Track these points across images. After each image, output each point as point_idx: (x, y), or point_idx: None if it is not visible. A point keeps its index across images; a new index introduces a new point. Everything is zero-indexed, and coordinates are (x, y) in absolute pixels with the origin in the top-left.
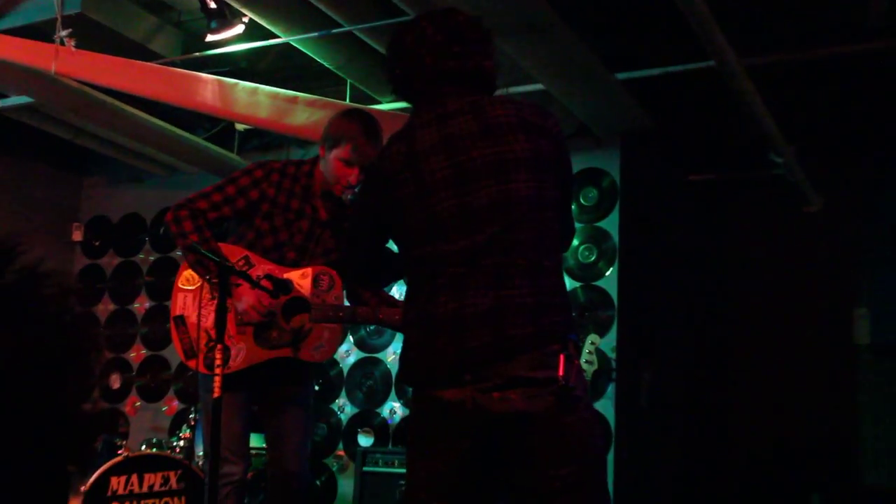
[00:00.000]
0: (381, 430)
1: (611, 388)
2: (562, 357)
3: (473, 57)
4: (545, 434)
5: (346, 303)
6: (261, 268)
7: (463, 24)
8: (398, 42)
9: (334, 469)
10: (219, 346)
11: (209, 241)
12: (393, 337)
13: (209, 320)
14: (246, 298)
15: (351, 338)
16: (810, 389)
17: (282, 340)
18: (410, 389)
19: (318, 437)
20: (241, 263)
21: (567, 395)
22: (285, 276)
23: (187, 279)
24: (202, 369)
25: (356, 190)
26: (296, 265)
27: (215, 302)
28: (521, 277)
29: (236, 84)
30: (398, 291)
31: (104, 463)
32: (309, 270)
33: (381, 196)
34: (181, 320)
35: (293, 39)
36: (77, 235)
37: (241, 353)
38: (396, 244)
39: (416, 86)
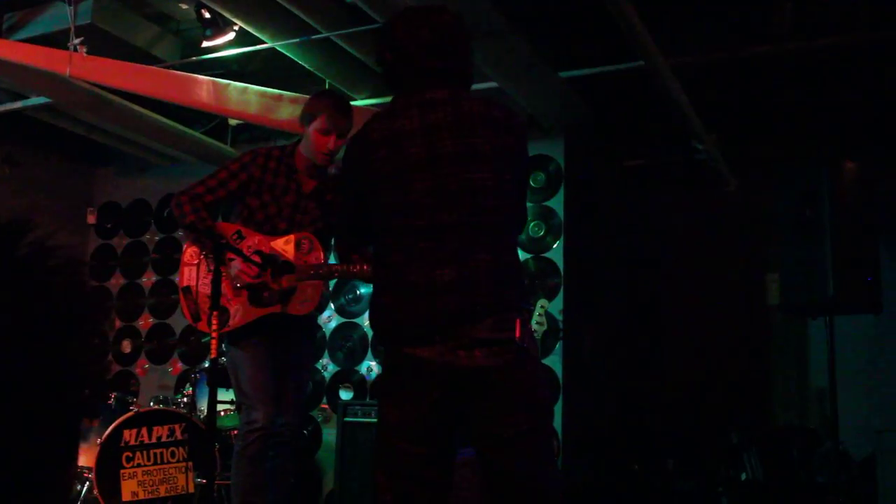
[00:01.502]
0: (360, 385)
1: (559, 346)
2: (517, 321)
3: (455, 56)
4: (503, 387)
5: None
6: (251, 239)
7: (449, 24)
8: (391, 31)
9: (319, 420)
10: (214, 313)
11: (205, 221)
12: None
13: (209, 288)
14: (235, 265)
15: (332, 305)
16: (729, 344)
17: (272, 299)
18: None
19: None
20: (234, 237)
21: (522, 354)
22: (271, 244)
23: (191, 255)
24: (203, 328)
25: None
26: (286, 234)
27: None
28: (482, 253)
29: (228, 84)
30: None
31: (118, 418)
32: (292, 237)
33: (361, 164)
34: (188, 290)
35: (278, 45)
36: (91, 219)
37: (239, 312)
38: (372, 213)
39: (402, 74)
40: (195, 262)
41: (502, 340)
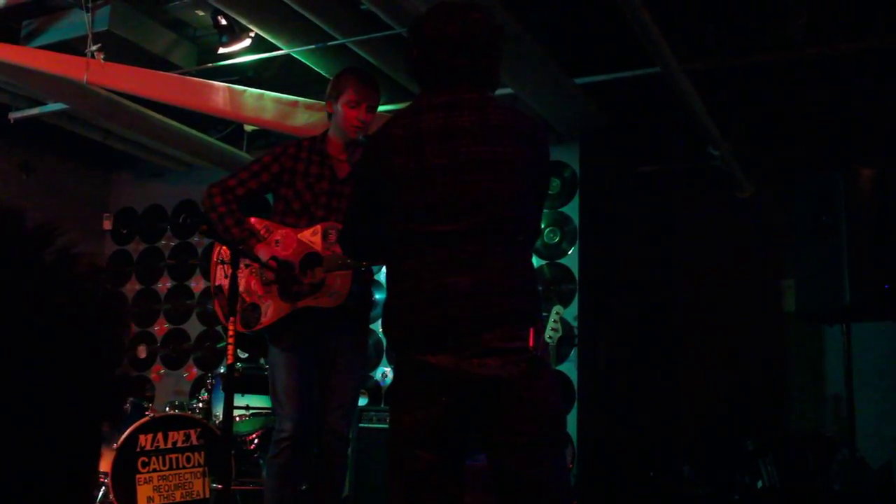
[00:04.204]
0: (375, 391)
1: (573, 353)
2: (531, 331)
3: (483, 56)
4: (517, 396)
5: None
6: (278, 233)
7: (478, 23)
8: (419, 28)
9: None
10: (232, 319)
11: (235, 213)
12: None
13: (242, 285)
14: (262, 255)
15: None
16: (745, 350)
17: (302, 292)
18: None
19: None
20: (263, 232)
21: (536, 363)
22: (298, 236)
23: (221, 255)
24: (240, 328)
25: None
26: (325, 221)
27: (247, 269)
28: (498, 262)
29: (244, 90)
30: None
31: (133, 423)
32: (318, 227)
33: (381, 162)
34: (220, 289)
35: (294, 51)
36: (107, 225)
37: (270, 308)
38: (387, 212)
39: (428, 71)
40: (227, 261)
41: (516, 349)
